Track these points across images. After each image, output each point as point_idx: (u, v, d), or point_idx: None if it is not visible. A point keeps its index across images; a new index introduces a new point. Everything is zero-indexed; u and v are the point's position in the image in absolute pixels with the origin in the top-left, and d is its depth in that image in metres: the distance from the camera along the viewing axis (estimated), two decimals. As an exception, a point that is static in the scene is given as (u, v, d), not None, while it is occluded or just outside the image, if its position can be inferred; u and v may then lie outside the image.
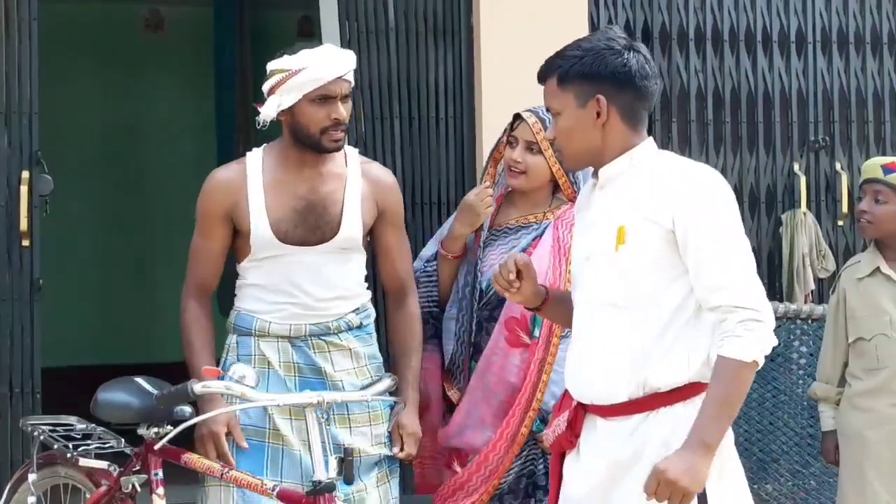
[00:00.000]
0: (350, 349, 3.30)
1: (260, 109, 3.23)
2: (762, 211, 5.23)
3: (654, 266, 2.51)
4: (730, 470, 2.53)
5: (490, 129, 4.44)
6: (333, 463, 2.95)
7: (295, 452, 3.18)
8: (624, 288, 2.53)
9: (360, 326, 3.34)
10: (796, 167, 5.26)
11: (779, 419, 4.68)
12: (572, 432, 2.63)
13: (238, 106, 7.02)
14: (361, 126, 4.77)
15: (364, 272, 3.40)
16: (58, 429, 3.38)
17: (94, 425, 3.40)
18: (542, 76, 2.64)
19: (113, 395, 3.23)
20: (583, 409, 2.63)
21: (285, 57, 3.21)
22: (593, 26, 4.90)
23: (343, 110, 3.21)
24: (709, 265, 2.46)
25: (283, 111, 3.21)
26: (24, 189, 4.38)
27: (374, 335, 3.42)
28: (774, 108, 5.25)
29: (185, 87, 7.52)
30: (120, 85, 7.33)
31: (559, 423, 2.69)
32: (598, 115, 2.56)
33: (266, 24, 7.57)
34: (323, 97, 3.19)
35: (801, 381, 4.67)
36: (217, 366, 3.22)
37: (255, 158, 3.31)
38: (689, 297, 2.51)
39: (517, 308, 3.19)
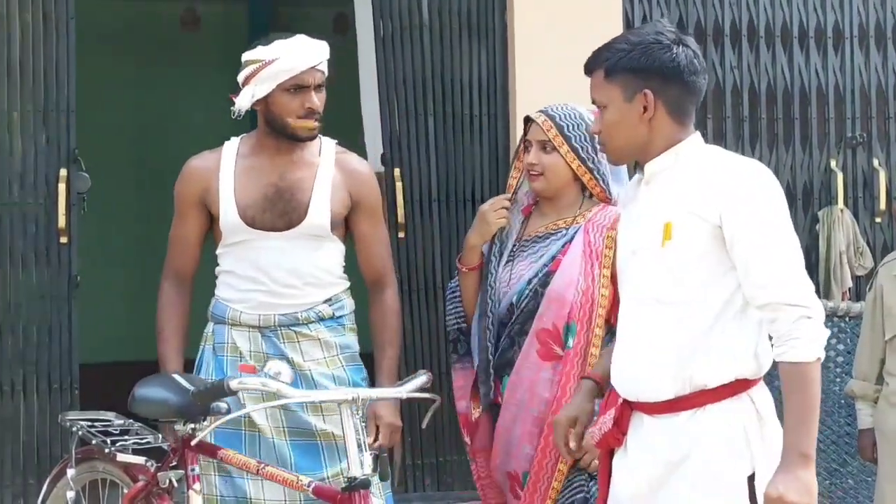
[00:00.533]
0: (320, 339, 3.34)
1: (235, 100, 3.29)
2: (799, 208, 5.19)
3: (700, 262, 2.49)
4: (774, 461, 2.49)
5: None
6: (368, 459, 2.95)
7: (269, 439, 3.24)
8: (670, 284, 2.51)
9: (332, 317, 3.37)
10: (833, 164, 5.22)
11: (815, 417, 4.65)
12: (619, 430, 2.62)
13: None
14: (395, 123, 4.78)
15: (339, 262, 3.41)
16: (96, 424, 3.40)
17: (131, 421, 3.42)
18: (589, 68, 2.61)
19: (150, 392, 3.25)
20: (629, 407, 2.61)
21: (259, 48, 3.28)
22: (627, 23, 4.89)
23: (317, 100, 3.27)
24: (757, 262, 2.44)
25: (257, 101, 3.27)
26: (62, 186, 4.42)
27: (350, 326, 3.43)
28: (811, 104, 5.21)
29: (221, 84, 7.55)
30: (156, 82, 7.37)
31: (605, 421, 2.67)
32: (645, 109, 2.54)
33: (300, 21, 7.58)
34: (296, 87, 3.25)
35: (837, 380, 4.63)
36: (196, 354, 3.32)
37: (231, 147, 3.39)
38: (735, 294, 2.49)
39: (549, 319, 3.16)
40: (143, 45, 7.26)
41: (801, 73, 5.20)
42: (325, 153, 3.38)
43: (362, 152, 5.06)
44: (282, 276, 3.31)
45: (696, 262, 2.49)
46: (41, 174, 4.47)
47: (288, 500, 3.26)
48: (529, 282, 3.22)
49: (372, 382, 3.41)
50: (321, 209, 3.32)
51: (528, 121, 3.29)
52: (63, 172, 4.44)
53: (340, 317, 3.40)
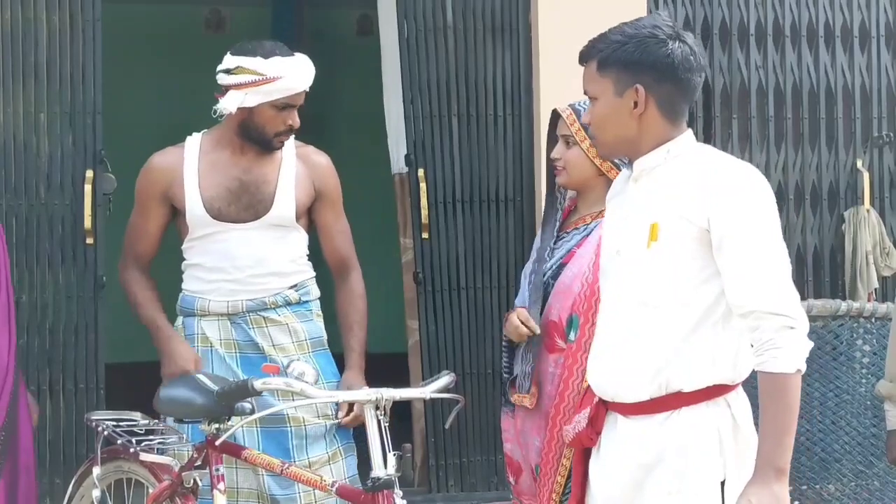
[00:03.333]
0: (288, 325, 3.43)
1: (220, 99, 3.37)
2: (824, 208, 5.16)
3: (686, 265, 2.43)
4: (746, 468, 2.45)
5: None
6: (392, 460, 2.95)
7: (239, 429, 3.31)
8: (654, 286, 2.46)
9: (299, 302, 3.46)
10: (859, 163, 5.19)
11: (841, 418, 4.62)
12: (593, 429, 2.58)
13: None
14: (419, 125, 4.78)
15: (304, 251, 3.51)
16: (121, 424, 3.42)
17: (156, 421, 3.44)
18: (583, 58, 2.54)
19: (175, 392, 3.26)
20: (604, 406, 2.58)
21: (259, 59, 3.35)
22: (652, 23, 4.87)
23: (297, 118, 3.42)
24: (743, 269, 2.38)
25: (241, 107, 3.35)
26: (87, 188, 4.45)
27: (317, 312, 3.51)
28: (837, 103, 5.18)
29: (246, 86, 7.57)
30: (181, 84, 7.40)
31: (580, 420, 2.65)
32: (636, 105, 2.46)
33: (325, 23, 7.61)
34: (285, 105, 3.37)
35: (863, 381, 4.60)
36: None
37: (194, 142, 3.49)
38: (720, 299, 2.43)
39: (556, 311, 3.14)
40: (168, 48, 7.29)
41: (828, 73, 5.17)
42: (287, 147, 3.49)
43: (387, 153, 5.07)
44: (249, 266, 3.41)
45: (681, 264, 2.43)
46: (67, 175, 4.50)
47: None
48: (544, 274, 3.23)
49: (341, 364, 3.48)
50: (286, 200, 3.43)
51: (555, 115, 3.28)
52: (89, 174, 4.47)
53: (307, 302, 3.50)
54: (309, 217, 3.52)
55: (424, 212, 4.74)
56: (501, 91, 4.86)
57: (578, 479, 2.65)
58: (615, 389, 2.53)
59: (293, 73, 3.37)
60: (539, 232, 3.41)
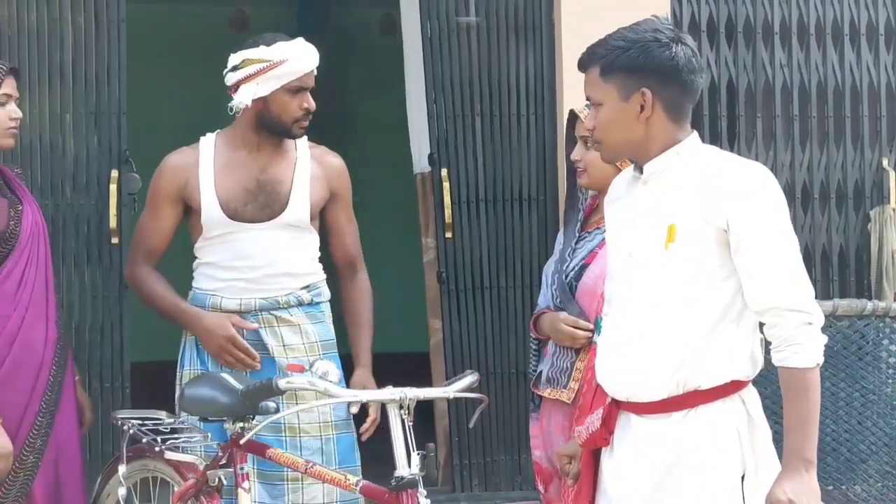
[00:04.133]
0: (299, 325, 3.44)
1: (233, 96, 3.39)
2: (849, 207, 5.13)
3: (704, 265, 2.46)
4: (766, 465, 2.49)
5: (572, 126, 4.43)
6: (416, 459, 2.96)
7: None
8: (672, 286, 2.48)
9: (311, 303, 3.47)
10: (885, 162, 5.16)
11: (867, 419, 4.59)
12: (606, 429, 2.59)
13: (320, 104, 7.07)
14: (442, 124, 4.78)
15: (316, 252, 3.53)
16: (147, 423, 3.44)
17: (182, 419, 3.46)
18: (584, 65, 2.55)
19: (199, 391, 3.28)
20: (617, 406, 2.59)
21: (262, 47, 3.38)
22: (676, 23, 4.86)
23: (312, 101, 3.43)
24: (762, 268, 2.43)
25: (255, 99, 3.37)
26: (112, 187, 4.47)
27: (327, 315, 3.53)
28: (862, 102, 5.15)
29: (269, 85, 7.60)
30: (205, 84, 7.42)
31: (593, 420, 2.65)
32: (642, 108, 2.49)
33: (348, 23, 7.62)
34: (298, 88, 3.39)
35: (890, 381, 4.57)
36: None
37: (209, 142, 3.50)
38: (736, 297, 2.47)
39: (583, 309, 3.15)
40: (192, 48, 7.32)
41: (853, 71, 5.14)
42: (300, 148, 3.51)
43: (409, 153, 5.07)
44: (263, 266, 3.43)
45: (699, 265, 2.47)
46: (93, 175, 4.52)
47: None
48: (567, 275, 3.23)
49: (350, 363, 3.49)
50: (301, 201, 3.44)
51: (573, 116, 3.28)
52: (114, 173, 4.49)
53: (318, 303, 3.51)
54: (319, 217, 3.54)
55: (448, 211, 4.75)
56: (524, 90, 4.85)
57: (588, 479, 2.66)
58: (630, 389, 2.54)
59: (298, 55, 3.40)
60: (561, 230, 3.41)
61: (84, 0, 4.51)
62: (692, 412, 2.48)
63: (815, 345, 2.42)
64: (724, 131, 4.99)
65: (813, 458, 2.40)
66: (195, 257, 3.54)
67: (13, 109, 3.36)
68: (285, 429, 3.34)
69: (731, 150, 4.97)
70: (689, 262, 2.47)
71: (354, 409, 3.43)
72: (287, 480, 3.36)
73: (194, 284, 3.53)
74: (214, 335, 3.38)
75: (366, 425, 3.44)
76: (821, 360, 2.43)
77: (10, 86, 3.35)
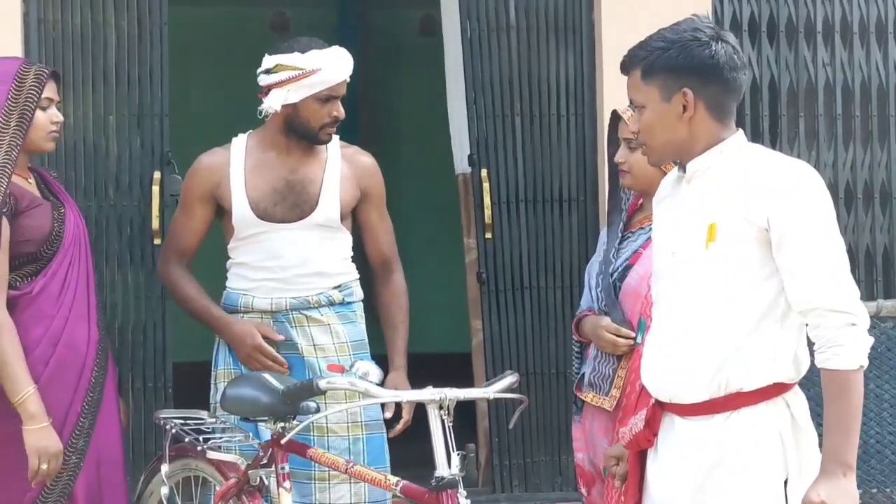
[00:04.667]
0: (330, 325, 3.45)
1: (263, 99, 3.42)
2: (894, 206, 5.08)
3: (745, 264, 2.44)
4: (811, 470, 2.45)
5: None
6: (456, 459, 2.96)
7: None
8: (713, 286, 2.47)
9: (342, 303, 3.47)
10: (930, 161, 5.10)
11: (912, 420, 4.55)
12: (650, 431, 2.58)
13: (360, 104, 7.11)
14: (482, 125, 4.78)
15: (348, 252, 3.54)
16: (189, 422, 3.47)
17: (223, 419, 3.48)
18: (625, 68, 2.55)
19: (241, 391, 3.30)
20: (660, 407, 2.57)
21: (296, 54, 3.39)
22: (717, 22, 4.83)
23: (342, 109, 3.44)
24: (804, 267, 2.39)
25: (285, 104, 3.39)
26: (155, 189, 4.51)
27: (360, 314, 3.53)
28: (907, 100, 5.09)
29: (310, 87, 7.62)
30: (247, 85, 7.46)
31: (636, 422, 2.64)
32: (685, 109, 2.48)
33: (388, 24, 7.63)
34: (328, 97, 3.40)
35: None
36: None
37: (240, 143, 3.54)
38: (779, 297, 2.44)
39: (626, 310, 3.13)
40: (233, 49, 7.37)
41: (897, 69, 5.08)
42: (331, 148, 3.52)
43: (450, 153, 5.08)
44: (294, 266, 3.44)
45: (740, 264, 2.44)
46: (135, 177, 4.56)
47: None
48: (611, 276, 3.21)
49: (386, 365, 3.48)
50: (331, 201, 3.45)
51: (615, 117, 3.26)
52: (157, 175, 4.52)
53: (350, 303, 3.52)
54: (352, 217, 3.55)
55: (488, 212, 4.74)
56: (564, 90, 4.84)
57: (634, 480, 2.65)
58: (673, 390, 2.53)
59: (331, 64, 3.40)
60: (604, 230, 3.40)
61: (127, 3, 4.55)
62: (734, 414, 2.46)
63: (859, 346, 2.38)
64: (766, 131, 4.95)
65: (852, 461, 2.37)
66: (229, 257, 3.57)
67: (54, 113, 3.39)
68: (313, 428, 3.35)
69: (774, 149, 4.93)
70: (730, 261, 2.45)
71: (388, 413, 3.44)
72: (314, 479, 3.38)
73: (227, 284, 3.57)
74: (242, 343, 3.43)
75: (398, 427, 3.44)
76: (864, 362, 2.39)
77: (51, 90, 3.38)
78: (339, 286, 3.50)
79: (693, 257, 2.50)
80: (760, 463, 2.45)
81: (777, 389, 2.46)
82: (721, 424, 2.47)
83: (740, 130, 2.55)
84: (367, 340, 3.54)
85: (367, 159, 3.58)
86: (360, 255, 3.64)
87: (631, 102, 2.58)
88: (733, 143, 2.52)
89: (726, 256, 2.45)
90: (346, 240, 3.53)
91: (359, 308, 3.55)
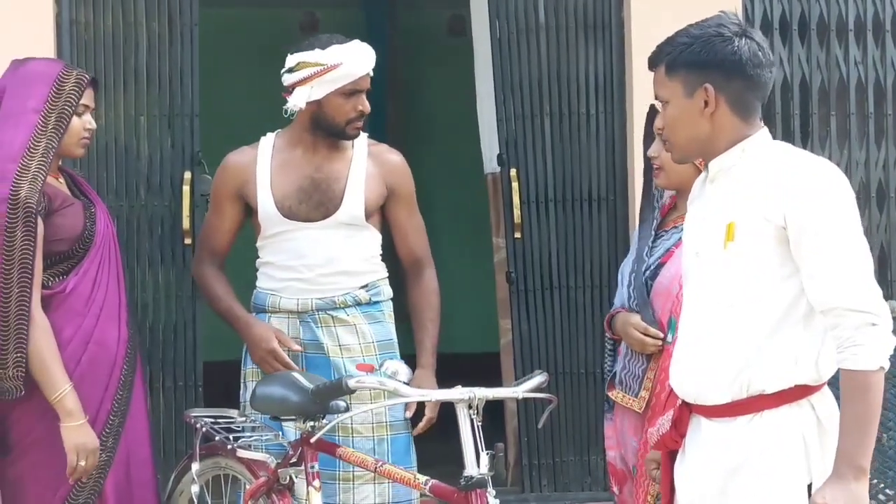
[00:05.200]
0: (356, 326, 3.44)
1: (287, 98, 3.43)
2: (928, 205, 5.03)
3: (764, 264, 2.41)
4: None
5: (641, 125, 4.40)
6: (485, 459, 2.96)
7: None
8: (732, 286, 2.44)
9: (369, 303, 3.46)
10: (963, 160, 5.05)
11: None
12: (677, 432, 2.56)
13: (389, 104, 7.11)
14: (512, 124, 4.78)
15: (375, 251, 3.52)
16: (219, 421, 3.48)
17: (253, 418, 3.49)
18: (653, 63, 2.54)
19: (271, 390, 3.31)
20: (688, 409, 2.55)
21: (317, 50, 3.40)
22: (748, 20, 4.80)
23: (367, 103, 3.44)
24: (821, 265, 2.35)
25: (309, 101, 3.40)
26: (185, 189, 4.53)
27: (388, 313, 3.52)
28: (940, 99, 5.05)
29: (339, 87, 7.63)
30: (276, 86, 7.49)
31: (663, 422, 2.63)
32: (706, 104, 2.45)
33: (416, 24, 7.64)
34: (352, 91, 3.41)
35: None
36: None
37: (268, 142, 3.56)
38: (800, 297, 2.40)
39: (657, 309, 3.12)
40: (263, 50, 7.39)
41: (930, 68, 5.04)
42: (358, 146, 3.51)
43: (479, 153, 5.08)
44: (318, 265, 3.44)
45: (759, 264, 2.41)
46: (165, 177, 4.59)
47: None
48: (643, 274, 3.20)
49: (413, 360, 3.48)
50: (356, 199, 3.44)
51: (653, 111, 3.24)
52: (187, 175, 4.54)
53: (377, 302, 3.51)
54: (383, 215, 3.54)
55: (517, 211, 4.74)
56: (594, 89, 4.83)
57: (667, 482, 2.64)
58: (697, 391, 2.51)
59: (353, 58, 3.41)
60: (636, 228, 3.39)
61: (158, 5, 4.58)
62: (758, 417, 2.43)
63: (879, 347, 2.32)
64: (797, 130, 4.92)
65: (865, 465, 2.30)
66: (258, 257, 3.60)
67: (88, 120, 3.42)
68: (338, 428, 3.35)
69: (804, 148, 4.90)
70: (749, 261, 2.42)
71: (409, 413, 3.44)
72: (338, 480, 3.39)
73: (257, 284, 3.58)
74: (258, 346, 3.45)
75: (421, 425, 3.43)
76: (885, 363, 2.32)
77: (88, 97, 3.41)
78: (366, 285, 3.50)
79: (713, 257, 2.48)
80: (783, 466, 2.41)
81: (801, 392, 2.43)
82: (745, 427, 2.44)
83: (764, 129, 2.52)
84: (394, 340, 3.54)
85: (394, 157, 3.57)
86: (392, 254, 3.63)
87: (656, 98, 2.57)
88: (756, 142, 2.49)
89: (745, 256, 2.42)
90: (372, 238, 3.53)
91: (387, 307, 3.54)
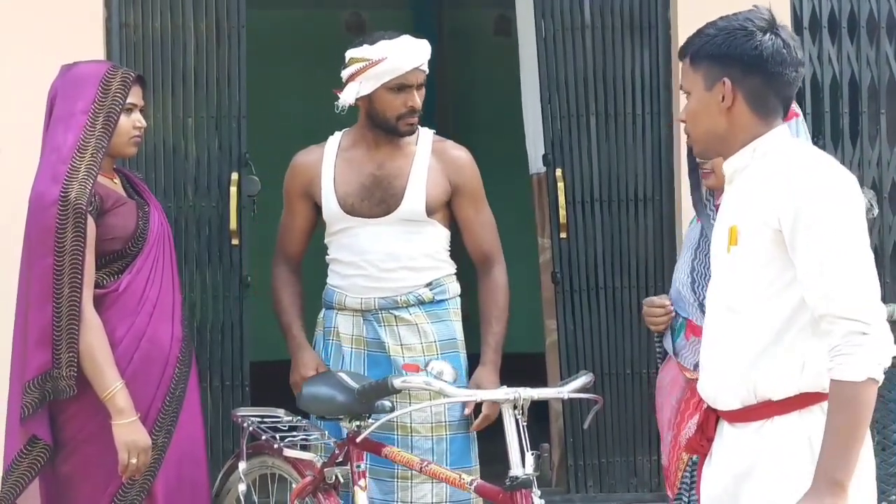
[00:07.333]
0: (418, 325, 3.43)
1: (339, 95, 3.45)
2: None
3: (765, 269, 2.35)
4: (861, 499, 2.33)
5: (688, 125, 4.38)
6: (530, 459, 2.96)
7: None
8: (736, 291, 2.39)
9: (433, 301, 3.45)
10: None
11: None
12: (703, 435, 2.52)
13: (437, 103, 7.12)
14: (557, 124, 4.77)
15: (441, 247, 3.51)
16: (266, 420, 3.51)
17: (300, 417, 3.52)
18: (681, 54, 2.51)
19: (317, 390, 3.33)
20: (713, 413, 2.52)
21: (365, 46, 3.42)
22: (795, 18, 4.76)
23: (418, 99, 3.42)
24: (813, 270, 2.27)
25: (361, 97, 3.41)
26: (233, 190, 4.56)
27: (454, 310, 3.51)
28: None
29: (385, 87, 7.65)
30: (323, 86, 7.52)
31: (691, 426, 2.61)
32: (724, 98, 2.40)
33: (463, 24, 7.64)
34: (400, 86, 3.39)
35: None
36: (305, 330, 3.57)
37: (334, 141, 3.58)
38: (805, 304, 2.32)
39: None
40: (309, 50, 7.43)
41: None
42: (422, 142, 3.51)
43: (525, 153, 5.07)
44: (380, 261, 3.45)
45: (761, 268, 2.35)
46: (214, 178, 4.62)
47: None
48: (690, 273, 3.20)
49: (476, 358, 3.47)
50: (417, 195, 3.44)
51: None
52: (234, 176, 4.57)
53: (442, 301, 3.49)
54: (450, 212, 3.54)
55: (562, 211, 4.73)
56: (640, 89, 4.81)
57: (700, 485, 2.62)
58: (715, 395, 2.48)
59: (398, 53, 3.40)
60: (689, 225, 3.36)
61: (206, 7, 4.61)
62: (768, 423, 2.38)
63: (868, 357, 2.22)
64: (846, 128, 4.87)
65: (844, 480, 2.20)
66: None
67: (137, 118, 3.45)
68: (397, 427, 3.37)
69: (853, 147, 4.86)
70: (751, 266, 2.37)
71: (468, 411, 3.44)
72: (397, 478, 3.40)
73: (327, 280, 3.61)
74: (297, 370, 3.52)
75: (477, 422, 3.44)
76: (874, 374, 2.22)
77: (136, 95, 3.44)
78: (430, 283, 3.49)
79: (721, 262, 2.45)
80: (790, 474, 2.34)
81: (810, 399, 2.35)
82: (755, 433, 2.39)
83: (780, 127, 2.44)
84: (458, 339, 3.52)
85: (458, 153, 3.56)
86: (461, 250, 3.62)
87: (681, 88, 2.53)
88: (768, 142, 2.41)
89: (746, 260, 2.37)
90: (436, 234, 3.51)
91: (452, 305, 3.53)
